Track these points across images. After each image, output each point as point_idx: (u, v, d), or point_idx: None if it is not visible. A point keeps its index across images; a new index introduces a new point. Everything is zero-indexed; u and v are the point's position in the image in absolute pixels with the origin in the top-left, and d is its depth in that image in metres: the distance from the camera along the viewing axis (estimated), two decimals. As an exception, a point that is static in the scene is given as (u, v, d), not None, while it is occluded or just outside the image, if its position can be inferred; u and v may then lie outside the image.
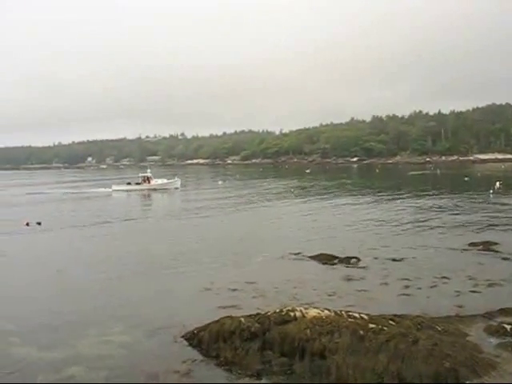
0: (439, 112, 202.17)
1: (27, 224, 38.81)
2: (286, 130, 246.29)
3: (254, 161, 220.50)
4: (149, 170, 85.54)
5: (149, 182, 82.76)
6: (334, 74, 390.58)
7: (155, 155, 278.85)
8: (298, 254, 25.22)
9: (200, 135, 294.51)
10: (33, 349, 13.75)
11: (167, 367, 12.26)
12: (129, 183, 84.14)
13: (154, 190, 79.82)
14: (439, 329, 12.57)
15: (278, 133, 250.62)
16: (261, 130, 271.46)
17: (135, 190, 79.29)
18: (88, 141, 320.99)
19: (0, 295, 19.71)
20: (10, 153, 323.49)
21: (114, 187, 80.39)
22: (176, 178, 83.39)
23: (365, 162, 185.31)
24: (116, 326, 15.32)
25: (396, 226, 34.36)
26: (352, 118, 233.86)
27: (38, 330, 15.31)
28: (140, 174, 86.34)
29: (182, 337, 13.82)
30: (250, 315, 13.43)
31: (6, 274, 23.79)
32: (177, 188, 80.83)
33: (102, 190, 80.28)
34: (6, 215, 47.29)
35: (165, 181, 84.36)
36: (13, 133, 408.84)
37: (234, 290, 18.96)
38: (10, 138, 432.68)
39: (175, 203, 63.28)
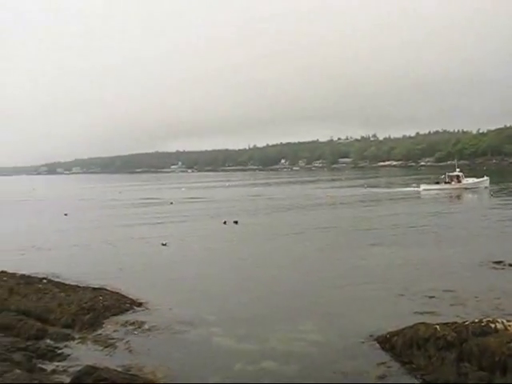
0: None
1: None
2: (483, 130, 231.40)
3: (449, 162, 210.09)
4: (458, 169, 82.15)
5: (459, 181, 79.89)
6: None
7: (347, 157, 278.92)
8: (500, 262, 23.61)
9: (392, 136, 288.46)
10: (230, 339, 14.68)
11: (359, 368, 12.31)
12: (437, 182, 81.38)
13: (465, 189, 76.88)
14: None
15: (474, 132, 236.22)
16: (456, 130, 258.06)
17: (445, 190, 76.52)
18: (281, 143, 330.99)
19: (199, 288, 21.19)
20: (209, 156, 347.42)
21: (424, 186, 78.54)
22: (485, 177, 79.77)
23: None
24: (307, 323, 15.74)
25: None
26: None
27: (234, 322, 16.28)
28: (447, 174, 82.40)
29: (375, 340, 13.79)
30: (445, 323, 12.96)
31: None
32: (486, 187, 76.80)
33: (409, 189, 79.34)
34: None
35: (475, 180, 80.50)
36: (211, 136, 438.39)
37: (430, 296, 18.39)
38: (210, 141, 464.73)
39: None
